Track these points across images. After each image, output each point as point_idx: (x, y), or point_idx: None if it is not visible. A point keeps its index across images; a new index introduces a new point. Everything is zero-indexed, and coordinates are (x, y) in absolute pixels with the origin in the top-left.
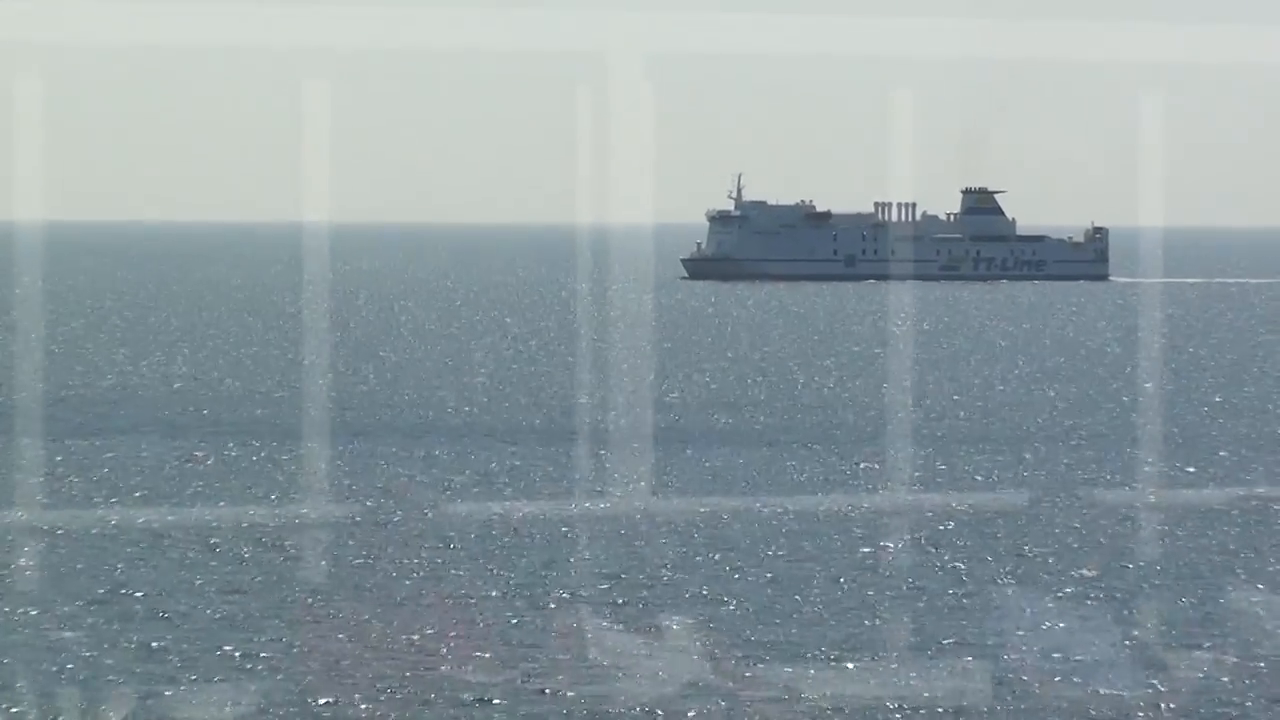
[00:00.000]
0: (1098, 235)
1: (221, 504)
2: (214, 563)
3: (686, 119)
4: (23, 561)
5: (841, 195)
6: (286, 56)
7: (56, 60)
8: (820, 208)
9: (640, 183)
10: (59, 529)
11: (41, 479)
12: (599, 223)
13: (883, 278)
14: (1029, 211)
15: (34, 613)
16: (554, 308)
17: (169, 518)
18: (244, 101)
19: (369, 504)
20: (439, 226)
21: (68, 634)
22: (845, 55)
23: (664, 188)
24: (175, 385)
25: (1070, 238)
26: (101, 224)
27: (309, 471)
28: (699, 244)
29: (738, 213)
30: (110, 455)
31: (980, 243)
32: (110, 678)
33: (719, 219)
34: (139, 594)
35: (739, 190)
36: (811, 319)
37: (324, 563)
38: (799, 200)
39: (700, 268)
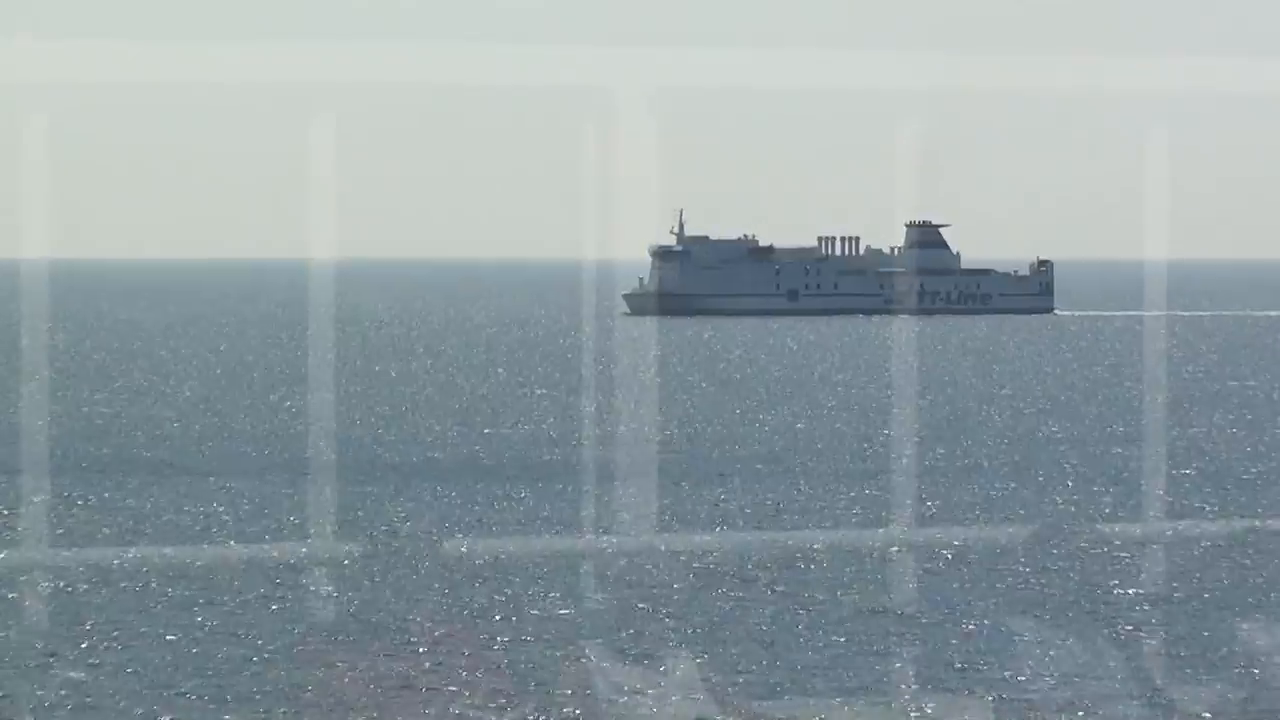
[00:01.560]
0: (1043, 268)
1: (230, 542)
2: (219, 601)
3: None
4: (32, 600)
5: (793, 229)
6: (292, 92)
7: (61, 98)
8: (764, 242)
9: (604, 218)
10: (67, 567)
11: (47, 517)
12: (604, 258)
13: (826, 312)
14: (975, 245)
15: (41, 651)
16: (477, 344)
17: (177, 556)
18: (249, 138)
19: (367, 541)
20: (443, 262)
21: (74, 674)
22: (787, 89)
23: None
24: (180, 423)
25: (1016, 271)
26: (107, 261)
27: (306, 509)
28: (641, 279)
29: (679, 248)
30: (110, 494)
31: (924, 276)
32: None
33: (661, 254)
34: (146, 631)
35: (680, 225)
36: (737, 353)
37: (331, 600)
38: (742, 235)
39: (641, 303)
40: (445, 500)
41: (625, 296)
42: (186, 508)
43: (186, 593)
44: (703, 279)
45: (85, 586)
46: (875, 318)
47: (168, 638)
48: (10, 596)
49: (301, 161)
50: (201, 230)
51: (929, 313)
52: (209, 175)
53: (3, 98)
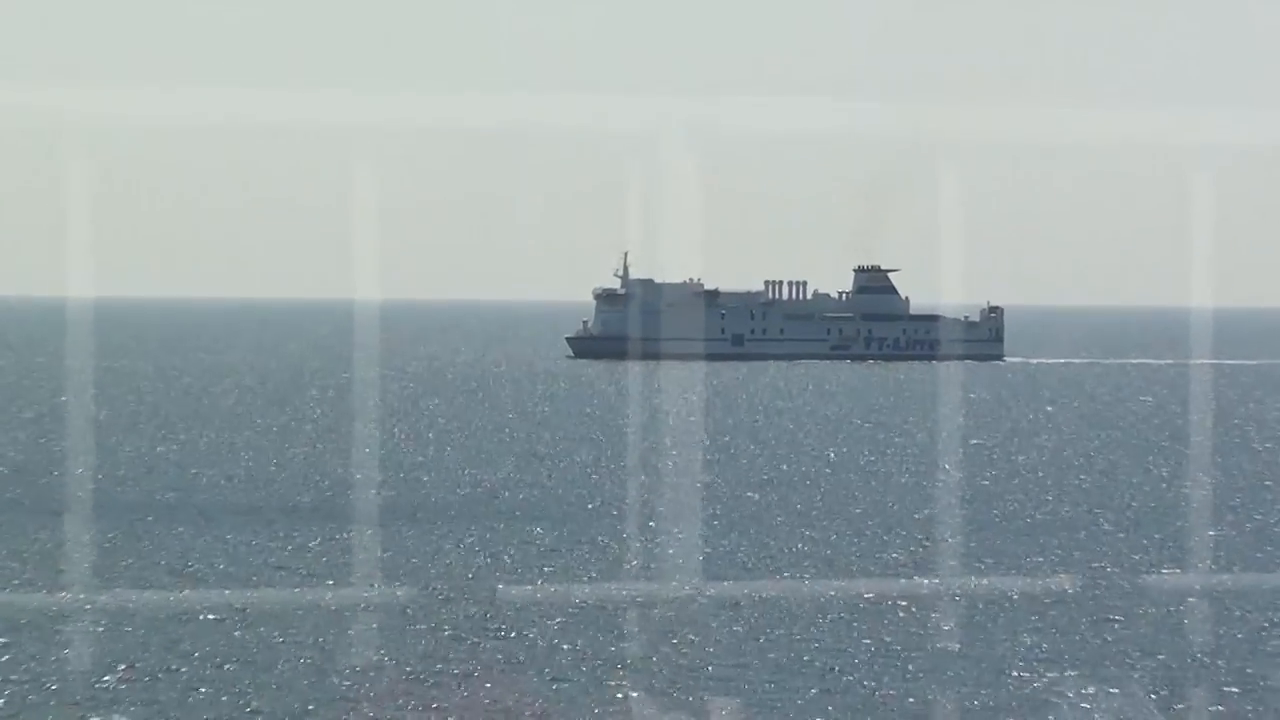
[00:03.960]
0: (993, 314)
1: (271, 586)
2: (260, 644)
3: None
4: (74, 642)
5: (740, 273)
6: (336, 136)
7: (107, 141)
8: (709, 285)
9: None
10: (110, 609)
11: (87, 559)
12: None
13: (772, 357)
14: (925, 291)
15: (83, 693)
16: (414, 383)
17: (219, 599)
18: (296, 180)
19: (407, 585)
20: (481, 303)
21: (117, 717)
22: (735, 132)
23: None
24: (223, 465)
25: (966, 317)
26: (153, 300)
27: (336, 555)
28: (585, 322)
29: (623, 291)
30: (151, 537)
31: (872, 322)
32: None
33: (605, 297)
34: (186, 674)
35: (625, 268)
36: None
37: (371, 644)
38: (687, 278)
39: (585, 346)
40: (484, 544)
41: (568, 339)
42: (230, 551)
43: (226, 636)
44: (646, 322)
45: (128, 628)
46: (822, 363)
47: (207, 681)
48: (53, 638)
49: (344, 204)
50: (245, 270)
51: (876, 358)
52: (253, 217)
53: (52, 141)
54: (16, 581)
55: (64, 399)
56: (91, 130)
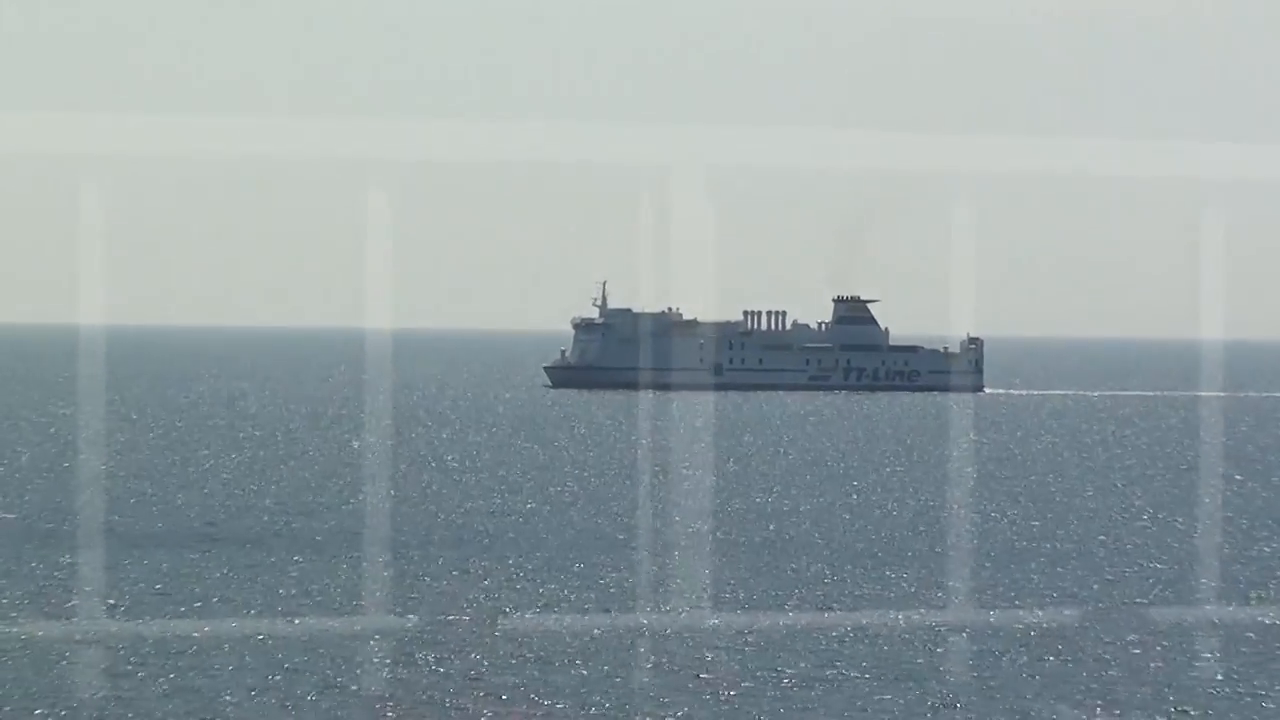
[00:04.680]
0: (973, 345)
1: (288, 615)
2: (279, 672)
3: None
4: (91, 672)
5: (720, 303)
6: (350, 166)
7: (118, 170)
8: (688, 315)
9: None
10: (128, 638)
11: (107, 588)
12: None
13: (750, 387)
14: (904, 321)
15: None
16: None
17: (236, 628)
18: (309, 210)
19: (426, 614)
20: (493, 333)
21: None
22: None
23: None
24: (234, 493)
25: (945, 348)
26: (166, 328)
27: (361, 582)
28: (563, 351)
29: (601, 320)
30: (165, 565)
31: (851, 352)
32: None
33: (583, 326)
34: (208, 701)
35: (604, 298)
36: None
37: (387, 675)
38: (666, 308)
39: (563, 375)
40: (500, 573)
41: (546, 369)
42: (244, 579)
43: (244, 664)
44: (624, 352)
45: (151, 655)
46: (800, 393)
47: (227, 710)
48: (67, 668)
49: (360, 233)
50: (256, 298)
51: (854, 389)
52: (264, 245)
53: (63, 169)
54: (32, 609)
55: (80, 427)
56: (100, 158)
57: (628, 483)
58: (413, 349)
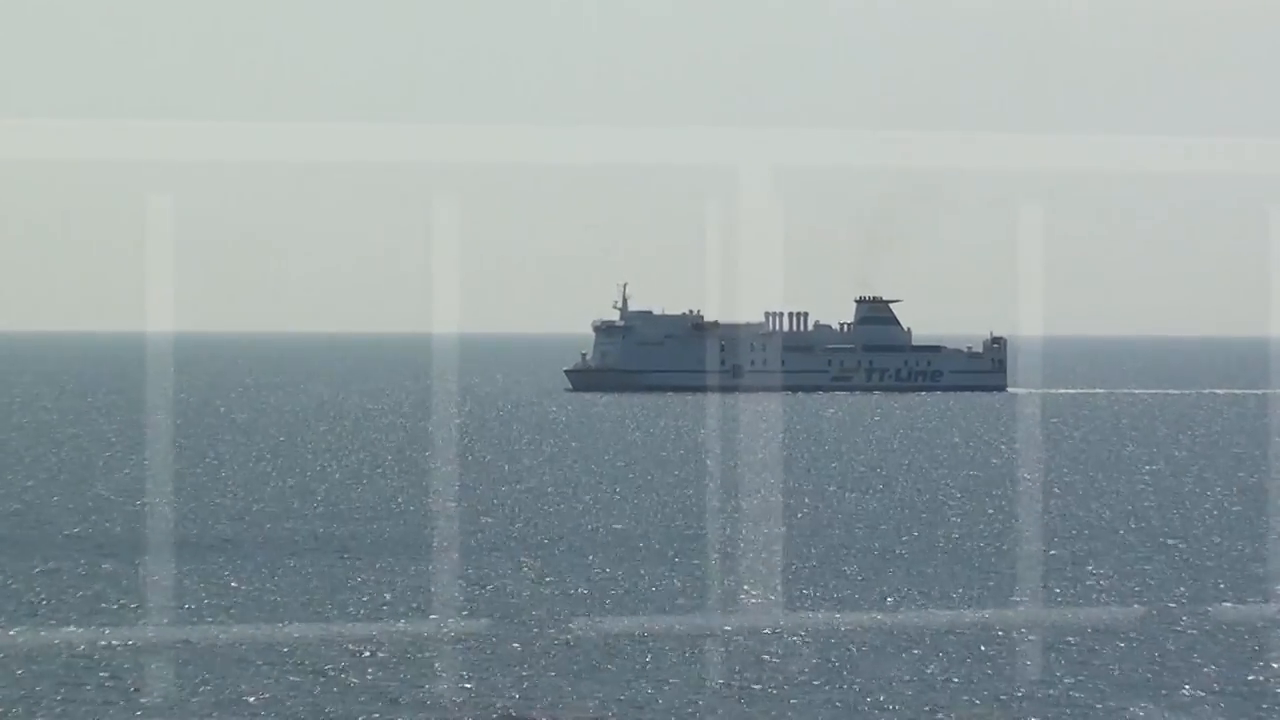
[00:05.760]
0: (996, 345)
1: (350, 620)
2: (338, 680)
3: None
4: (148, 677)
5: (742, 304)
6: (416, 172)
7: (187, 177)
8: (709, 317)
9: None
10: (184, 644)
11: (166, 594)
12: None
13: (772, 389)
14: (927, 321)
15: None
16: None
17: (299, 633)
18: (371, 216)
19: (478, 617)
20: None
21: None
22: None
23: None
24: (301, 499)
25: (969, 347)
26: (233, 335)
27: (426, 586)
28: (584, 354)
29: (622, 323)
30: (228, 571)
31: (873, 353)
32: None
33: (604, 329)
34: (265, 708)
35: (624, 300)
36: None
37: (450, 682)
38: (687, 310)
39: (584, 379)
40: (566, 577)
41: (567, 372)
42: (312, 585)
43: (299, 670)
44: (645, 354)
45: (211, 659)
46: (822, 394)
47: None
48: (123, 674)
49: (425, 238)
50: (320, 304)
51: (877, 389)
52: (332, 252)
53: (132, 176)
54: (89, 615)
55: (146, 431)
56: (169, 165)
57: (680, 486)
58: (445, 355)
